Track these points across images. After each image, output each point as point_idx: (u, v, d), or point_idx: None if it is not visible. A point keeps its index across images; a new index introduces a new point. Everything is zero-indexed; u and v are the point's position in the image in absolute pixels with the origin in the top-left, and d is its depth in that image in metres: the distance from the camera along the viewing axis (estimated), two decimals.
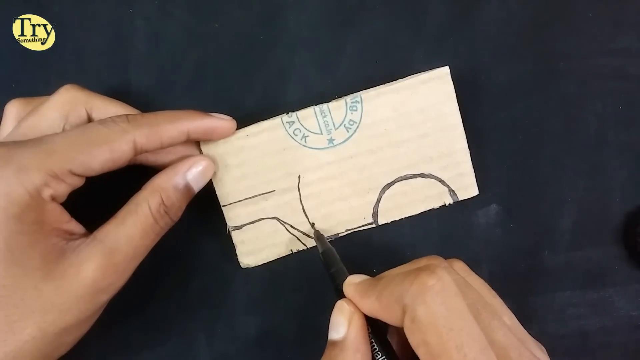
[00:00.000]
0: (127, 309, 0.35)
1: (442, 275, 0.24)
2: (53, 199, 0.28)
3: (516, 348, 0.24)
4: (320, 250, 0.32)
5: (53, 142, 0.28)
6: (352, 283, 0.28)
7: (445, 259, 0.28)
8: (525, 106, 0.37)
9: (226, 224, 0.35)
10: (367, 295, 0.26)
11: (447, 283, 0.24)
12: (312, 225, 0.35)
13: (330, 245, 0.32)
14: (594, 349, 0.37)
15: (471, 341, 0.23)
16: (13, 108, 0.32)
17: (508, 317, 0.26)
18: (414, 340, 0.23)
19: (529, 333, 0.27)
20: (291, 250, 0.35)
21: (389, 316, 0.25)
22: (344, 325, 0.27)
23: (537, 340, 0.27)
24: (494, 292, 0.28)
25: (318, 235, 0.34)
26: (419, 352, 0.23)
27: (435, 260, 0.27)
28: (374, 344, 0.27)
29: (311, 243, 0.35)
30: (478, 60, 0.37)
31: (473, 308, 0.24)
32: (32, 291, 0.27)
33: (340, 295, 0.29)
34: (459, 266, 0.28)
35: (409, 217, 0.35)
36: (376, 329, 0.27)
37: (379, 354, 0.26)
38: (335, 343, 0.27)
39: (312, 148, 0.34)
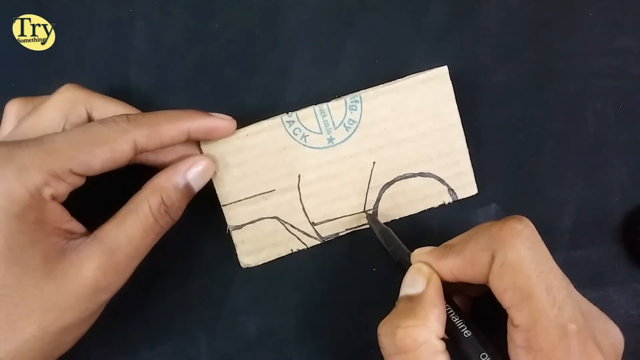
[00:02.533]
0: (127, 309, 0.35)
1: (528, 222, 0.25)
2: (53, 198, 0.28)
3: (585, 300, 0.26)
4: (377, 231, 0.33)
5: (53, 141, 0.28)
6: (423, 252, 0.29)
7: None
8: (525, 106, 0.37)
9: (226, 224, 0.35)
10: (445, 257, 0.27)
11: (533, 229, 0.25)
12: (365, 211, 0.35)
13: (386, 226, 0.33)
14: None
15: (559, 284, 0.24)
16: (13, 108, 0.32)
17: None
18: (502, 285, 0.24)
19: None
20: (291, 249, 0.35)
21: (473, 270, 0.26)
22: (422, 283, 0.27)
23: None
24: None
25: (372, 218, 0.34)
26: (506, 297, 0.24)
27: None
28: (449, 307, 0.27)
29: (311, 242, 0.35)
30: (478, 60, 0.37)
31: None
32: (32, 290, 0.27)
33: (404, 269, 0.29)
34: None
35: (408, 216, 0.36)
36: (447, 297, 0.28)
37: (456, 317, 0.27)
38: (411, 297, 0.27)
39: (312, 147, 0.34)
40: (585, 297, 0.37)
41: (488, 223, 0.26)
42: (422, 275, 0.27)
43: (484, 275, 0.25)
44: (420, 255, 0.29)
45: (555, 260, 0.34)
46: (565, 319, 0.23)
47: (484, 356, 0.25)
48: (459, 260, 0.26)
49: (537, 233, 0.25)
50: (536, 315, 0.23)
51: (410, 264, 0.29)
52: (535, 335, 0.23)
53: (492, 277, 0.25)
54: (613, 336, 0.26)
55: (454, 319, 0.27)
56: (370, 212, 0.35)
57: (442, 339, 0.26)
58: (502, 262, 0.24)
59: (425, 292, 0.27)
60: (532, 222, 0.32)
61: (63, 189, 0.28)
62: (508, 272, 0.24)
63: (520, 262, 0.24)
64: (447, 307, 0.27)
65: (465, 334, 0.26)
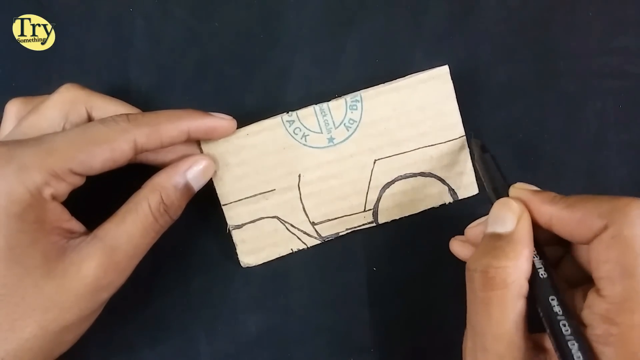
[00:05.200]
0: (127, 308, 0.36)
1: None
2: (54, 198, 0.28)
3: None
4: (479, 154, 0.32)
5: (53, 141, 0.28)
6: (527, 188, 0.29)
7: None
8: (525, 106, 0.37)
9: (226, 223, 0.35)
10: (553, 203, 0.27)
11: None
12: (468, 134, 0.34)
13: (491, 153, 0.33)
14: None
15: None
16: (13, 107, 0.32)
17: None
18: (606, 255, 0.24)
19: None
20: (291, 249, 0.35)
21: (577, 227, 0.26)
22: (512, 220, 0.27)
23: None
24: None
25: (475, 141, 0.34)
26: (604, 267, 0.24)
27: None
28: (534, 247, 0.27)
29: (312, 242, 0.35)
30: (478, 60, 0.37)
31: None
32: (32, 289, 0.27)
33: (499, 196, 0.29)
34: None
35: (409, 215, 0.36)
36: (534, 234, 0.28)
37: (537, 257, 0.27)
38: (499, 236, 0.27)
39: (312, 147, 0.34)
40: None
41: (610, 196, 0.26)
42: (513, 213, 0.27)
43: (584, 238, 0.25)
44: (521, 190, 0.29)
45: None
46: None
47: (552, 299, 0.25)
48: (567, 212, 0.26)
49: None
50: (629, 294, 0.23)
51: (507, 195, 0.29)
52: (620, 310, 0.23)
53: (597, 244, 0.25)
54: None
55: (534, 257, 0.27)
56: (472, 135, 0.34)
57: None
58: (616, 234, 0.24)
59: (516, 231, 0.27)
60: None
61: (63, 188, 0.28)
62: (618, 246, 0.24)
63: (635, 240, 0.24)
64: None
65: (542, 274, 0.26)
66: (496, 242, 0.27)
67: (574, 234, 0.26)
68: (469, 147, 0.35)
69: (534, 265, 0.26)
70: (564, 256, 0.30)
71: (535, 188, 0.29)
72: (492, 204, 0.29)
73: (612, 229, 0.24)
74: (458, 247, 0.33)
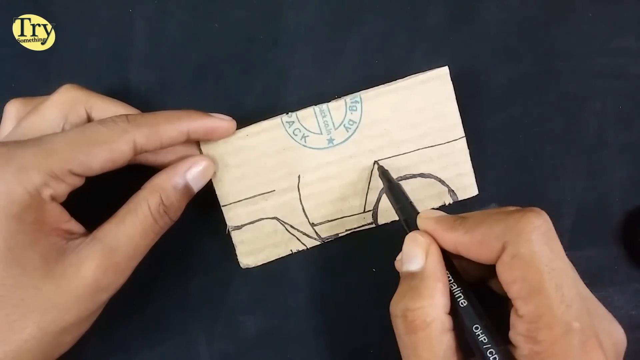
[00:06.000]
0: (127, 309, 0.35)
1: (547, 218, 0.25)
2: (53, 198, 0.28)
3: (593, 299, 0.27)
4: (387, 185, 0.33)
5: (53, 142, 0.28)
6: (430, 217, 0.28)
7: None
8: (525, 106, 0.37)
9: (226, 224, 0.35)
10: (454, 229, 0.27)
11: (551, 226, 0.25)
12: (376, 162, 0.35)
13: (397, 181, 0.33)
14: None
15: (570, 282, 0.24)
16: (13, 108, 0.32)
17: None
18: (510, 277, 0.24)
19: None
20: (291, 250, 0.35)
21: (479, 251, 0.26)
22: (420, 257, 0.27)
23: None
24: None
25: (382, 171, 0.34)
26: (513, 288, 0.24)
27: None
28: (450, 276, 0.27)
29: (311, 243, 0.35)
30: (478, 60, 0.37)
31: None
32: (32, 290, 0.27)
33: (410, 229, 0.29)
34: None
35: None
36: (447, 261, 0.27)
37: (454, 285, 0.27)
38: (413, 274, 0.27)
39: (311, 148, 0.34)
40: None
41: (506, 210, 0.26)
42: (420, 248, 0.27)
43: (490, 260, 0.25)
44: (426, 220, 0.28)
45: None
46: (570, 316, 0.23)
47: (476, 328, 0.25)
48: (467, 238, 0.26)
49: (553, 229, 0.25)
50: (542, 310, 0.23)
51: (416, 226, 0.29)
52: (539, 328, 0.23)
53: (500, 266, 0.25)
54: (616, 336, 0.26)
55: (452, 286, 0.27)
56: (381, 163, 0.34)
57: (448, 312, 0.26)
58: (514, 254, 0.24)
59: (426, 267, 0.27)
60: None
61: (62, 189, 0.28)
62: (519, 265, 0.24)
63: (533, 257, 0.24)
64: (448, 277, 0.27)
65: (462, 303, 0.26)
66: (410, 281, 0.27)
67: (479, 257, 0.26)
68: (380, 177, 0.34)
69: (452, 295, 0.26)
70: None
71: (440, 214, 0.29)
72: (404, 234, 0.29)
73: (509, 250, 0.24)
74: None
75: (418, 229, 0.29)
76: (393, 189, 0.32)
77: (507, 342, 0.25)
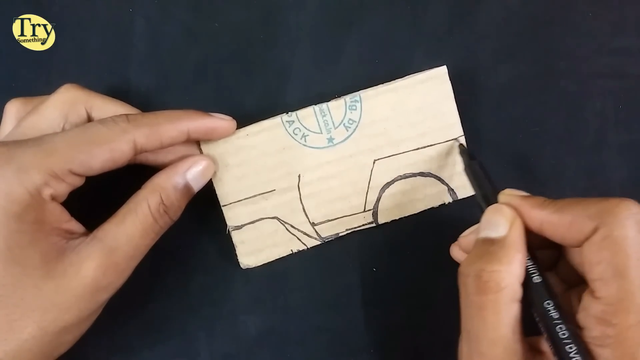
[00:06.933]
0: (127, 309, 0.35)
1: None
2: (53, 198, 0.28)
3: None
4: (466, 162, 0.33)
5: (53, 141, 0.28)
6: (516, 194, 0.29)
7: None
8: (525, 106, 0.37)
9: (226, 224, 0.35)
10: (542, 207, 0.27)
11: None
12: (456, 139, 0.35)
13: (478, 159, 0.33)
14: None
15: None
16: (13, 107, 0.32)
17: None
18: (598, 257, 0.24)
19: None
20: (291, 250, 0.35)
21: (567, 231, 0.26)
22: (504, 225, 0.27)
23: None
24: None
25: (462, 149, 0.34)
26: (597, 269, 0.24)
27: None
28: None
29: (311, 243, 0.35)
30: (477, 60, 0.37)
31: None
32: (32, 290, 0.27)
33: (489, 203, 0.29)
34: None
35: (408, 216, 0.35)
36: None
37: (530, 262, 0.27)
38: (492, 240, 0.27)
39: (311, 147, 0.34)
40: None
41: (599, 198, 0.26)
42: (505, 218, 0.27)
43: (575, 241, 0.25)
44: (511, 197, 0.29)
45: None
46: None
47: (548, 304, 0.25)
48: (556, 216, 0.26)
49: None
50: (623, 294, 0.23)
51: (496, 202, 0.29)
52: (615, 311, 0.23)
53: (589, 247, 0.25)
54: None
55: (527, 262, 0.27)
56: (462, 140, 0.35)
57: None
58: (606, 236, 0.24)
59: (509, 236, 0.27)
60: None
61: (62, 189, 0.28)
62: (609, 247, 0.24)
63: (624, 241, 0.24)
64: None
65: (535, 279, 0.26)
66: (489, 246, 0.27)
67: (565, 238, 0.26)
68: (460, 154, 0.34)
69: (527, 269, 0.26)
70: (559, 259, 0.30)
71: (524, 193, 0.29)
72: (483, 211, 0.29)
73: (602, 231, 0.24)
74: (458, 253, 0.33)
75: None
76: (472, 166, 0.32)
77: (575, 324, 0.25)
